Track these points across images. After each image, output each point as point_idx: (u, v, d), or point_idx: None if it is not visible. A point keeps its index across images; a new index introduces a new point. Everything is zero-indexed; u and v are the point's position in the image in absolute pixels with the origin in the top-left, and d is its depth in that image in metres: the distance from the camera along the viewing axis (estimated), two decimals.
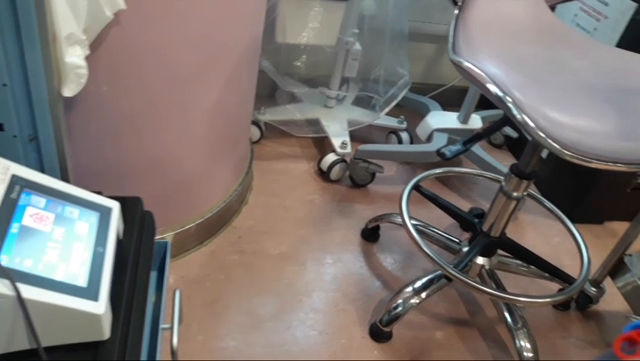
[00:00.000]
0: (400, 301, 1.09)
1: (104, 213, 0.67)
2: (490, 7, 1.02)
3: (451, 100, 1.82)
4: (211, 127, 1.07)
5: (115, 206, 0.69)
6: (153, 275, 0.88)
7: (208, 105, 1.03)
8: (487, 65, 0.86)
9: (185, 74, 0.95)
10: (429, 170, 1.31)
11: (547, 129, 0.78)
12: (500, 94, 0.80)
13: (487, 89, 0.82)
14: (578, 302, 1.26)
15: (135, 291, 0.69)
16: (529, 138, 0.83)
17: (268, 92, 1.70)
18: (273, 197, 1.40)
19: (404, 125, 1.67)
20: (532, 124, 0.78)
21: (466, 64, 0.86)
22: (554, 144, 0.78)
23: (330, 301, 1.16)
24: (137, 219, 0.75)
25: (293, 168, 1.52)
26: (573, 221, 1.53)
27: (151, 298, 0.84)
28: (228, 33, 0.99)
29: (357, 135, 1.66)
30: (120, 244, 0.70)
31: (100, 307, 0.57)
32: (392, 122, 1.66)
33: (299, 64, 1.36)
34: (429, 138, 1.57)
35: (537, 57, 0.93)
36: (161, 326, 0.77)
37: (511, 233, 1.46)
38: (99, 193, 0.71)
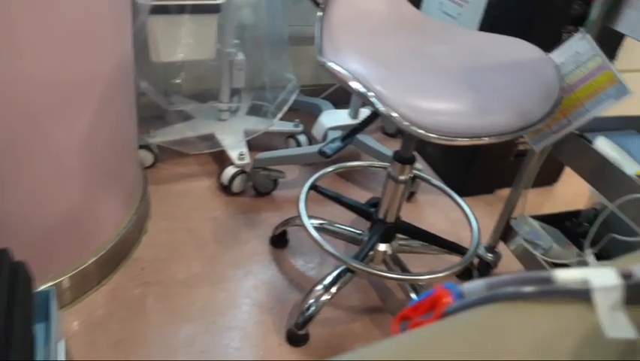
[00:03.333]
0: (312, 300, 1.11)
1: None
2: (352, 6, 1.06)
3: (342, 98, 1.87)
4: (85, 161, 1.02)
5: None
6: (40, 328, 0.82)
7: (77, 139, 0.98)
8: (350, 63, 0.89)
9: (43, 110, 0.90)
10: (324, 168, 1.34)
11: (410, 117, 0.82)
12: (362, 90, 0.83)
13: (351, 87, 0.85)
14: (479, 269, 1.35)
15: (11, 349, 0.64)
16: None
17: (158, 113, 1.65)
18: (174, 221, 1.37)
19: (300, 128, 1.69)
20: (395, 114, 0.81)
21: (329, 64, 0.89)
22: (418, 130, 0.82)
23: (245, 315, 1.15)
24: (6, 272, 0.70)
25: (193, 188, 1.49)
26: (466, 194, 1.63)
27: (41, 352, 0.79)
28: (87, 61, 0.95)
29: (258, 144, 1.66)
30: None
31: None
32: (288, 127, 1.68)
33: (179, 81, 1.33)
34: (324, 138, 1.60)
35: (397, 48, 0.98)
36: None
37: (412, 215, 1.53)
38: None
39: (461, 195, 1.62)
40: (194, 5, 1.23)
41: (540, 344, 0.24)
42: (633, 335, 0.24)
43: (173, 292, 1.18)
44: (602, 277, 0.25)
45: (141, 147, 1.47)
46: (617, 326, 0.24)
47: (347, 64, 0.89)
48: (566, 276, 0.26)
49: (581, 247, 1.19)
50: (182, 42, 1.28)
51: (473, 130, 0.84)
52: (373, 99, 0.82)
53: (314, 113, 1.76)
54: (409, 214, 1.52)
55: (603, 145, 1.04)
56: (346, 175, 1.66)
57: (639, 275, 0.25)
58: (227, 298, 1.18)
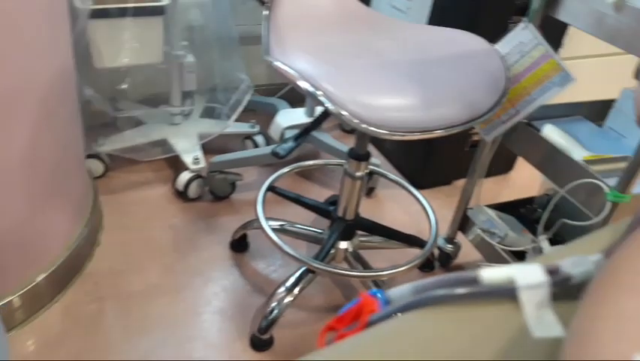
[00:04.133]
0: (275, 303, 1.09)
1: None
2: (298, 3, 1.05)
3: (298, 97, 1.85)
4: (28, 173, 0.97)
5: None
6: None
7: (18, 151, 0.93)
8: (297, 61, 0.88)
9: None
10: (281, 169, 1.33)
11: (360, 114, 0.81)
12: (311, 89, 0.82)
13: (299, 86, 0.83)
14: (440, 261, 1.36)
15: None
16: None
17: (107, 121, 1.59)
18: (129, 231, 1.32)
19: (257, 129, 1.67)
20: (344, 112, 0.80)
21: (276, 63, 0.87)
22: (369, 127, 0.81)
23: (207, 324, 1.13)
24: None
25: (147, 195, 1.45)
26: (425, 186, 1.65)
27: None
28: (23, 70, 0.90)
29: (214, 147, 1.62)
30: None
31: None
32: (244, 128, 1.65)
33: (125, 86, 1.29)
34: (282, 137, 1.59)
35: (345, 45, 0.97)
36: None
37: (373, 210, 1.54)
38: None
39: (420, 187, 1.63)
40: (136, 8, 1.19)
41: (464, 349, 0.23)
42: (561, 333, 0.23)
43: (131, 305, 1.14)
44: (527, 275, 0.25)
45: (90, 156, 1.42)
46: (543, 324, 0.24)
47: (295, 63, 0.87)
48: (491, 276, 0.26)
49: (536, 233, 1.21)
50: (126, 46, 1.23)
51: (423, 124, 0.85)
52: (322, 98, 0.81)
53: (270, 113, 1.74)
54: (370, 210, 1.52)
55: (551, 132, 1.06)
56: (307, 174, 1.64)
57: (565, 270, 0.25)
58: (187, 307, 1.15)
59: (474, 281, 0.26)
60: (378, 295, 0.29)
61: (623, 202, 0.93)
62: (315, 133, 1.61)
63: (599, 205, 0.95)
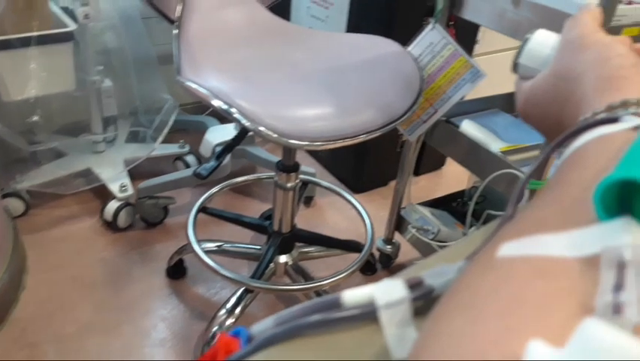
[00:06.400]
0: (216, 327, 1.06)
1: None
2: (208, 19, 1.03)
3: None
4: None
5: None
6: None
7: None
8: (210, 80, 0.86)
9: None
10: (211, 189, 1.30)
11: (277, 128, 0.80)
12: (225, 107, 0.80)
13: (213, 105, 0.82)
14: (381, 262, 1.37)
15: None
16: None
17: (25, 156, 1.51)
18: (56, 270, 1.25)
19: (187, 149, 1.63)
20: (261, 128, 0.79)
21: (187, 83, 0.85)
22: (289, 140, 0.81)
23: (148, 357, 1.08)
24: None
25: (74, 230, 1.37)
26: (362, 189, 1.66)
27: None
28: None
29: (145, 172, 1.56)
30: None
31: None
32: (172, 149, 1.61)
33: (37, 118, 1.22)
34: (213, 155, 1.56)
35: (258, 59, 0.96)
36: None
37: (314, 219, 1.53)
38: None
39: (357, 191, 1.65)
40: (40, 36, 1.13)
41: None
42: None
43: (65, 348, 1.07)
44: (387, 293, 0.24)
45: (8, 195, 1.34)
46: (405, 344, 0.23)
47: (207, 81, 0.86)
48: (352, 297, 0.25)
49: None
50: (34, 76, 1.17)
51: (341, 131, 0.85)
52: (237, 115, 0.80)
53: (200, 131, 1.70)
54: (311, 219, 1.52)
55: (468, 127, 1.10)
56: (245, 190, 1.62)
57: (428, 282, 0.25)
58: (125, 343, 1.10)
59: (336, 305, 0.25)
60: (240, 333, 0.28)
61: (539, 189, 0.98)
62: (247, 147, 1.59)
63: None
